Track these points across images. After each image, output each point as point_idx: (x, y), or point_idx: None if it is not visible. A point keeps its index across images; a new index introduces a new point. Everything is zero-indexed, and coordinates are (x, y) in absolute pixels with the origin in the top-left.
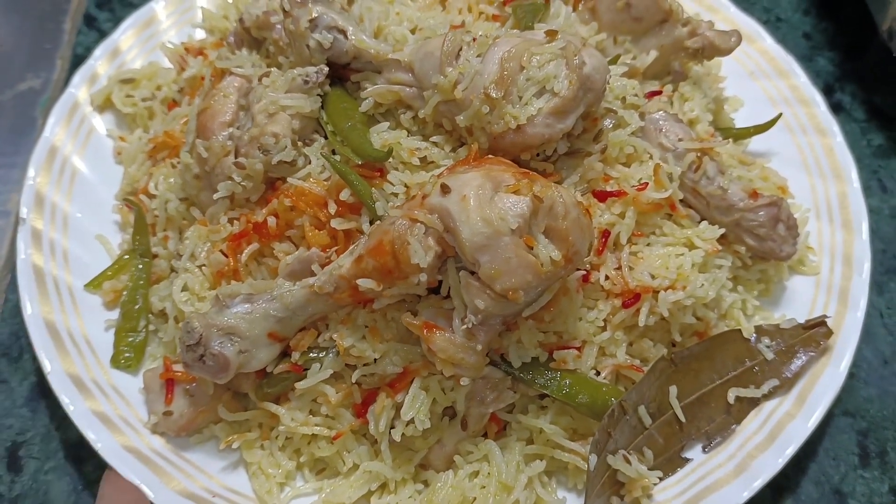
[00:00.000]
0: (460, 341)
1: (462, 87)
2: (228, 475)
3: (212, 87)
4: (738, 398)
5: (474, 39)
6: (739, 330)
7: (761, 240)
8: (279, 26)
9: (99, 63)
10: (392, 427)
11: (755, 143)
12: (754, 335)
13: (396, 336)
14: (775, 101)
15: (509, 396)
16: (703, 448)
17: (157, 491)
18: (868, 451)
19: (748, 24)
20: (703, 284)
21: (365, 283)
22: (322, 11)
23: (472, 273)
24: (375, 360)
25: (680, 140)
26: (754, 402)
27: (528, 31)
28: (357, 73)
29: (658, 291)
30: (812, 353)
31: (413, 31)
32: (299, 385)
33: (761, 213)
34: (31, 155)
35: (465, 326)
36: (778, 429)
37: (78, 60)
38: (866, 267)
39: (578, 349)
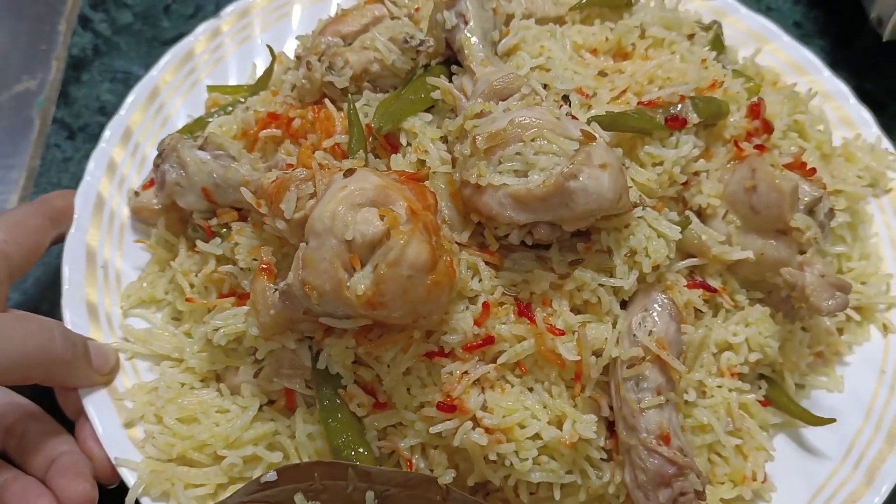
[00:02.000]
0: (269, 297)
1: (475, 122)
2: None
3: (365, 4)
4: None
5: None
6: None
7: (636, 485)
8: None
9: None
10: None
11: None
12: None
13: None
14: None
15: (300, 385)
16: None
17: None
18: None
19: None
20: (527, 459)
21: (247, 196)
22: (468, 6)
23: None
24: (242, 269)
25: (649, 334)
26: None
27: (576, 123)
28: (457, 66)
29: (476, 422)
30: None
31: (534, 69)
32: (199, 244)
33: (654, 460)
34: (27, 155)
35: (275, 289)
36: None
37: (73, 61)
38: None
39: (378, 404)
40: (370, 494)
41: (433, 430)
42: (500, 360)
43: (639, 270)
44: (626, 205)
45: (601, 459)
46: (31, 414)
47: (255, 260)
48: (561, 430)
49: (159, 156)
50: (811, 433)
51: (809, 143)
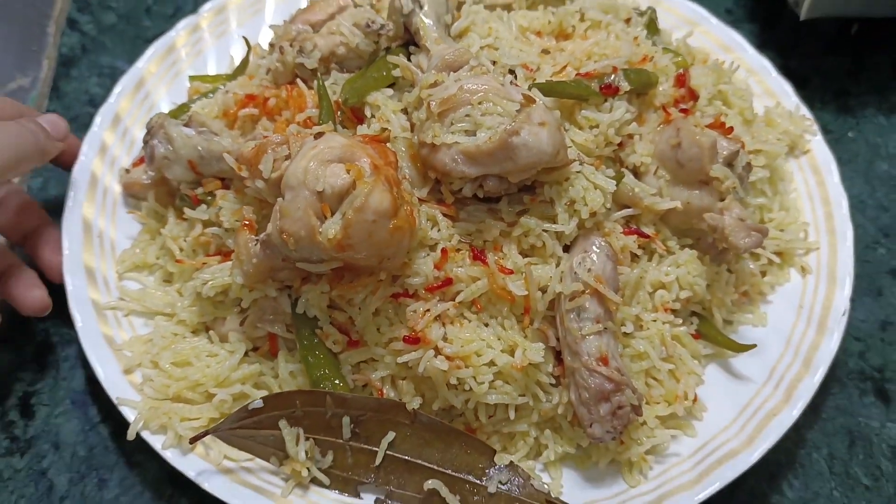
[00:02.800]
0: (251, 248)
1: (430, 91)
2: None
3: None
4: (433, 492)
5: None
6: (492, 449)
7: (579, 403)
8: None
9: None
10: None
11: None
12: (503, 465)
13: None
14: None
15: (281, 329)
16: (376, 501)
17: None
18: None
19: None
20: (483, 383)
21: (228, 160)
22: None
23: None
24: (226, 229)
25: (588, 271)
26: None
27: (518, 88)
28: (414, 47)
29: (437, 351)
30: None
31: (483, 47)
32: (186, 211)
33: (594, 379)
34: None
35: (256, 241)
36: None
37: (63, 59)
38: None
39: (353, 343)
40: (346, 419)
41: (400, 360)
42: (458, 299)
43: (578, 217)
44: (564, 159)
45: (550, 385)
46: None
47: (237, 221)
48: (513, 357)
49: (148, 133)
50: (738, 362)
51: (732, 109)
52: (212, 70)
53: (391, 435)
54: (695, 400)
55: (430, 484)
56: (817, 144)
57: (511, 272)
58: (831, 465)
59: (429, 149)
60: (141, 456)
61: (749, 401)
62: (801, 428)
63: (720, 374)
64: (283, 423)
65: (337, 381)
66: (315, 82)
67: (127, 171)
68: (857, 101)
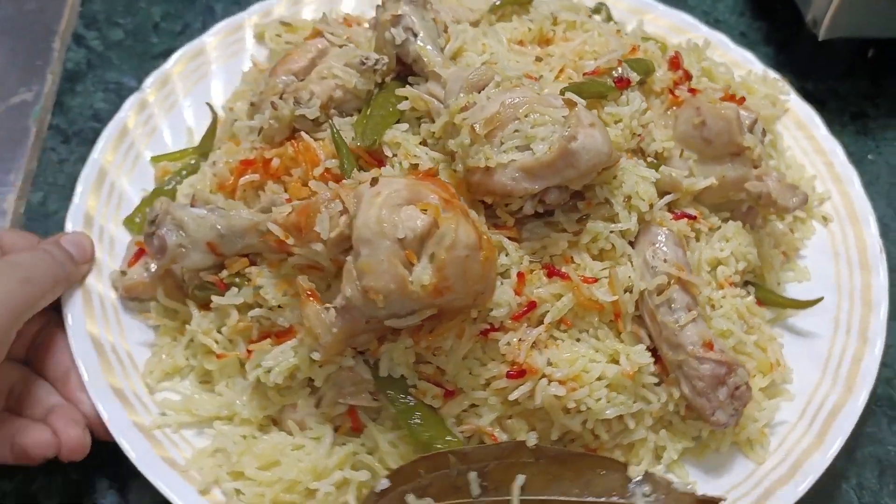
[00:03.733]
0: (325, 318)
1: (464, 115)
2: (139, 348)
3: (304, 41)
4: None
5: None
6: (625, 464)
7: (696, 394)
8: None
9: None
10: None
11: None
12: (639, 478)
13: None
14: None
15: (366, 399)
16: None
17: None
18: None
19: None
20: (600, 399)
21: (274, 229)
22: (407, 12)
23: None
24: (273, 308)
25: (664, 261)
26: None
27: (552, 95)
28: (415, 77)
29: (544, 377)
30: None
31: (486, 63)
32: (215, 299)
33: (705, 366)
34: (25, 160)
35: (333, 307)
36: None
37: (68, 74)
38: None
39: (448, 393)
40: (472, 475)
41: (512, 397)
42: (546, 321)
43: (637, 212)
44: (616, 156)
45: (654, 384)
46: (25, 375)
47: (284, 295)
48: (619, 365)
49: (152, 223)
50: (800, 321)
51: (719, 83)
52: (171, 146)
53: (521, 478)
54: (781, 366)
55: None
56: (795, 101)
57: (594, 280)
58: (860, 496)
59: (481, 173)
60: (137, 480)
61: (828, 352)
62: None
63: (788, 335)
64: (411, 498)
65: (449, 438)
66: (329, 130)
67: (123, 272)
68: (876, 124)
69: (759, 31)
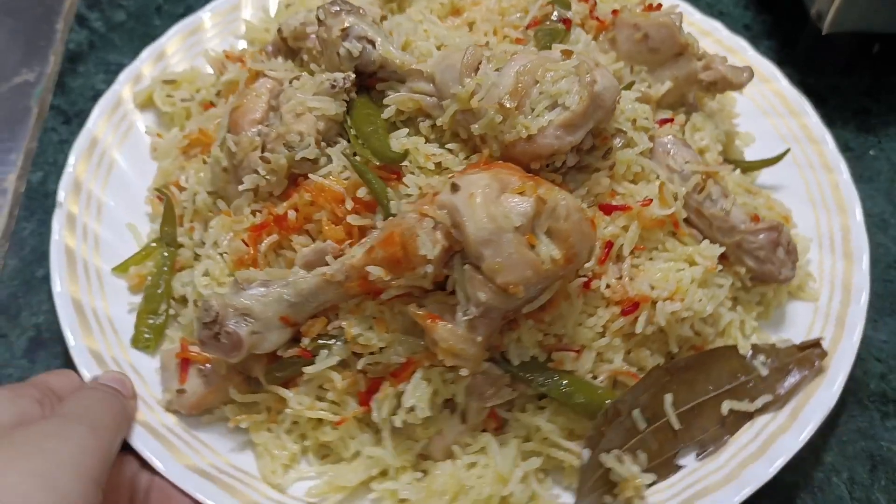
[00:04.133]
0: (461, 332)
1: (479, 97)
2: (236, 455)
3: (245, 87)
4: (731, 410)
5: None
6: (735, 346)
7: (761, 262)
8: (313, 36)
9: (144, 65)
10: (394, 415)
11: (764, 176)
12: (750, 352)
13: (402, 328)
14: (786, 138)
15: (507, 393)
16: (697, 455)
17: (166, 464)
18: None
19: (764, 65)
20: (701, 299)
21: (374, 271)
22: (354, 22)
23: (477, 267)
24: (381, 349)
25: (687, 163)
26: (747, 416)
27: (545, 51)
28: (382, 83)
29: (656, 302)
30: (806, 372)
31: (439, 48)
32: (307, 370)
33: (761, 236)
34: (26, 140)
35: (466, 318)
36: (770, 441)
37: (70, 55)
38: (864, 296)
39: (577, 352)
40: (636, 412)
41: (639, 329)
42: (625, 253)
43: (645, 131)
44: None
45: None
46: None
47: (388, 333)
48: (697, 265)
49: (212, 323)
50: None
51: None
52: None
53: (669, 397)
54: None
55: (726, 406)
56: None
57: (649, 201)
58: (851, 490)
59: (524, 143)
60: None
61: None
62: (819, 450)
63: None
64: (611, 458)
65: (601, 391)
66: (350, 163)
67: (180, 391)
68: (878, 120)
69: (763, 23)
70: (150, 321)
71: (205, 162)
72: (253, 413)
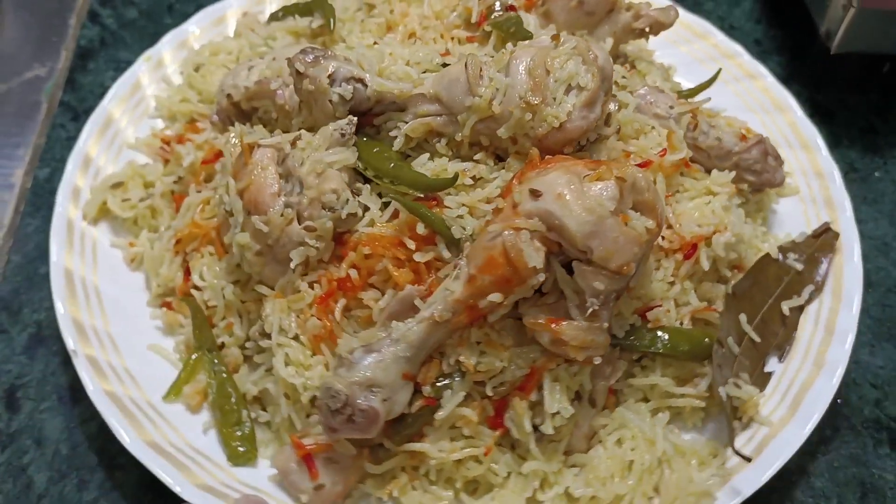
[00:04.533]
0: (587, 325)
1: (497, 102)
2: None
3: (242, 163)
4: (790, 309)
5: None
6: (768, 255)
7: (759, 174)
8: (281, 91)
9: (76, 176)
10: (536, 426)
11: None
12: (780, 254)
13: (513, 342)
14: (702, 61)
15: (622, 366)
16: (779, 359)
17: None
18: None
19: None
20: (736, 223)
21: (493, 298)
22: (337, 66)
23: (586, 260)
24: (502, 370)
25: (671, 107)
26: (801, 309)
27: (532, 40)
28: (378, 117)
29: (709, 237)
30: (830, 255)
31: (409, 65)
32: (438, 416)
33: (753, 151)
34: (34, 135)
35: (590, 309)
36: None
37: (81, 51)
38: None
39: (659, 306)
40: (730, 340)
41: (706, 266)
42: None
43: (628, 89)
44: None
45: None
46: None
47: (504, 351)
48: (717, 194)
49: (344, 407)
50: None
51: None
52: None
53: (744, 316)
54: None
55: (785, 307)
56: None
57: (664, 151)
58: None
59: (556, 131)
60: (124, 459)
61: None
62: (810, 476)
63: None
64: (722, 389)
65: (697, 333)
66: (402, 203)
67: (318, 487)
68: (885, 141)
69: (773, 39)
70: (238, 433)
71: (211, 254)
72: (390, 479)
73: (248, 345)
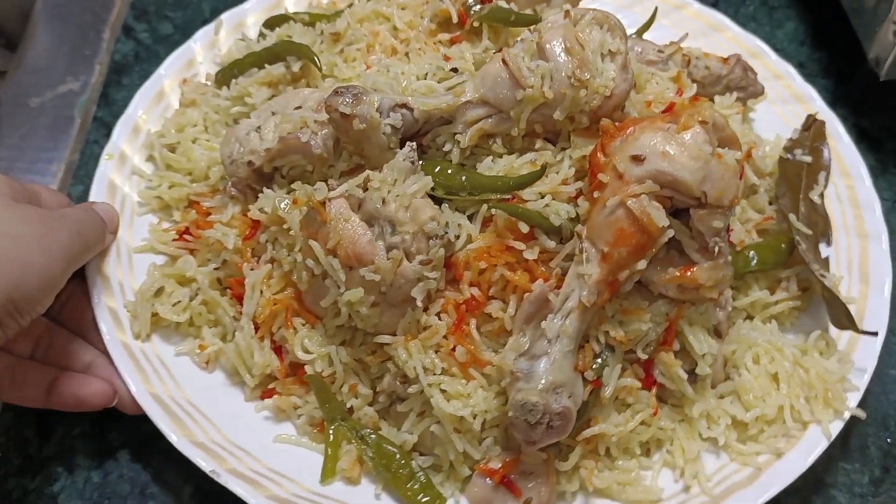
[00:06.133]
0: (712, 264)
1: (547, 87)
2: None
3: (318, 222)
4: (818, 196)
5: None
6: (782, 156)
7: (744, 89)
8: (315, 141)
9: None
10: (690, 373)
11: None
12: (788, 154)
13: (644, 304)
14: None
15: (729, 291)
16: (827, 243)
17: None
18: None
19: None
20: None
21: (639, 266)
22: (380, 97)
23: (700, 205)
24: (647, 332)
25: (659, 51)
26: (822, 195)
27: (546, 21)
28: (425, 135)
29: (748, 155)
30: (825, 141)
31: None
32: (607, 393)
33: (737, 70)
34: (67, 150)
35: (716, 248)
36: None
37: (115, 66)
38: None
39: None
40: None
41: (757, 177)
42: None
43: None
44: None
45: None
46: (52, 326)
47: (644, 314)
48: (730, 116)
49: (542, 416)
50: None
51: None
52: None
53: (793, 216)
54: None
55: (815, 198)
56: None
57: (681, 91)
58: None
59: (608, 100)
60: (156, 488)
61: None
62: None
63: None
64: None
65: (784, 242)
66: (503, 209)
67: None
68: None
69: (818, 62)
70: (415, 485)
71: (303, 325)
72: (576, 470)
73: (380, 398)
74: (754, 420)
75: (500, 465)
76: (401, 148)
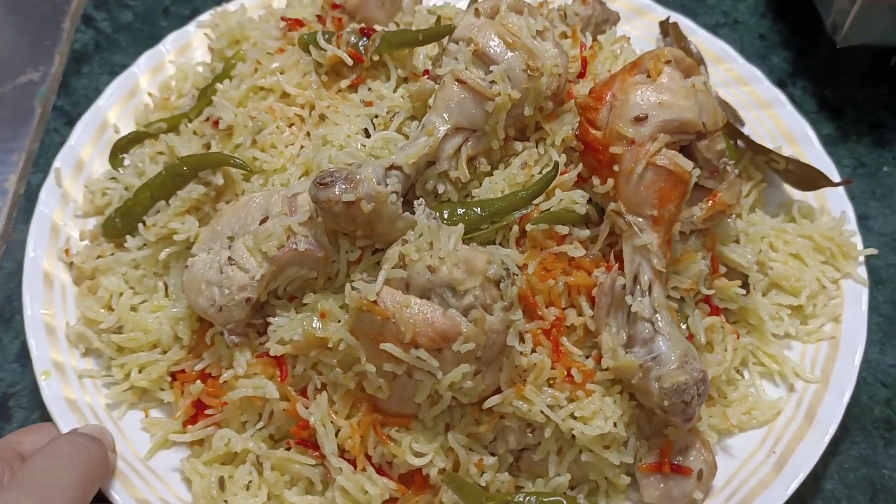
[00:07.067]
0: (729, 181)
1: (509, 88)
2: None
3: (378, 324)
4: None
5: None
6: None
7: (606, 21)
8: (312, 246)
9: None
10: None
11: None
12: None
13: (686, 247)
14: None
15: None
16: (741, 124)
17: None
18: None
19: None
20: None
21: (696, 211)
22: (371, 169)
23: (701, 136)
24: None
25: (576, 14)
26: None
27: (461, 27)
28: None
29: None
30: (689, 41)
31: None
32: (702, 341)
33: (596, 6)
34: (28, 140)
35: (727, 167)
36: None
37: (75, 55)
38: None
39: None
40: None
41: None
42: None
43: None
44: None
45: None
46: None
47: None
48: None
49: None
50: None
51: None
52: None
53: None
54: None
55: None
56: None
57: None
58: None
59: (560, 76)
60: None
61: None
62: (819, 479)
63: None
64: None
65: None
66: (543, 219)
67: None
68: (894, 135)
69: (779, 33)
70: None
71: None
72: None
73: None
74: (807, 299)
75: (657, 457)
76: (403, 210)
